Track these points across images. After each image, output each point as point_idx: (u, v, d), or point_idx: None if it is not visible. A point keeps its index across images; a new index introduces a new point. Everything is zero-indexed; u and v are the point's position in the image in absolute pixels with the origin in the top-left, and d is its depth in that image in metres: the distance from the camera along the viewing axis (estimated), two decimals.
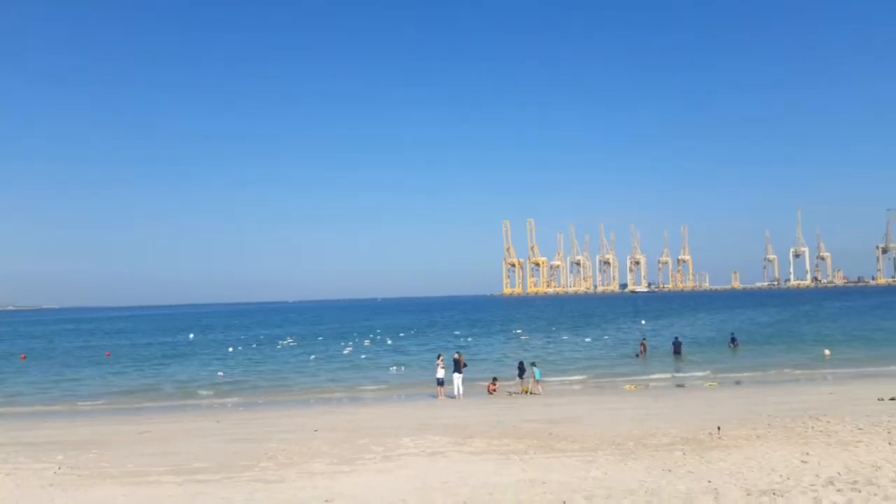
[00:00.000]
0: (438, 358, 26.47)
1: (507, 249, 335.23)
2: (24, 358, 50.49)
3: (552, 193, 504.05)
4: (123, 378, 36.48)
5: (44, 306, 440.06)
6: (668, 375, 31.53)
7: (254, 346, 57.07)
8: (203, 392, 30.56)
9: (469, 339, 56.55)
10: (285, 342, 58.92)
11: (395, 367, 36.68)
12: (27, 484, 12.06)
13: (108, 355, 51.43)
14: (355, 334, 66.45)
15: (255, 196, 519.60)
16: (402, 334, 65.34)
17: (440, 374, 25.70)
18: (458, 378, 25.43)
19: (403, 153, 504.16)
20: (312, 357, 44.37)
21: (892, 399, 18.76)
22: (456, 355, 26.40)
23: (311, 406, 25.45)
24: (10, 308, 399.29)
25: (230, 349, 52.87)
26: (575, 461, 12.20)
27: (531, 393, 25.55)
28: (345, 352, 47.47)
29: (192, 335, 76.07)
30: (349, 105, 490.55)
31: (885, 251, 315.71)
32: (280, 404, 26.27)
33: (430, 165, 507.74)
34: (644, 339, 43.03)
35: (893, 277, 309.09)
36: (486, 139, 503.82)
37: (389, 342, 55.75)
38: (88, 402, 28.44)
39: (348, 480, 11.59)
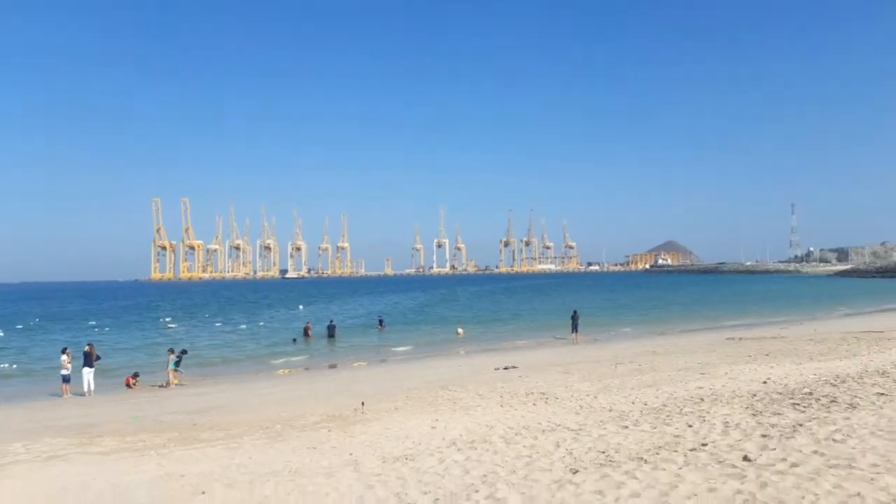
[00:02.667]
0: (64, 352, 23.07)
1: (158, 230, 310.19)
2: None
3: (210, 172, 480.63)
4: None
5: None
6: (321, 358, 32.40)
7: None
8: None
9: (106, 330, 50.61)
10: None
11: (6, 365, 30.88)
12: None
13: None
14: None
15: None
16: (19, 326, 55.46)
17: (66, 370, 22.42)
18: (87, 373, 22.51)
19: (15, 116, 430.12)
20: None
21: (506, 368, 22.00)
22: (87, 348, 23.32)
23: None
24: None
25: None
26: (219, 450, 11.63)
27: (178, 384, 23.91)
28: None
29: None
30: None
31: (506, 244, 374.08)
32: None
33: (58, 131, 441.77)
34: (308, 323, 43.62)
35: (512, 266, 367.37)
36: (137, 109, 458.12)
37: (1, 334, 46.84)
38: None
39: None
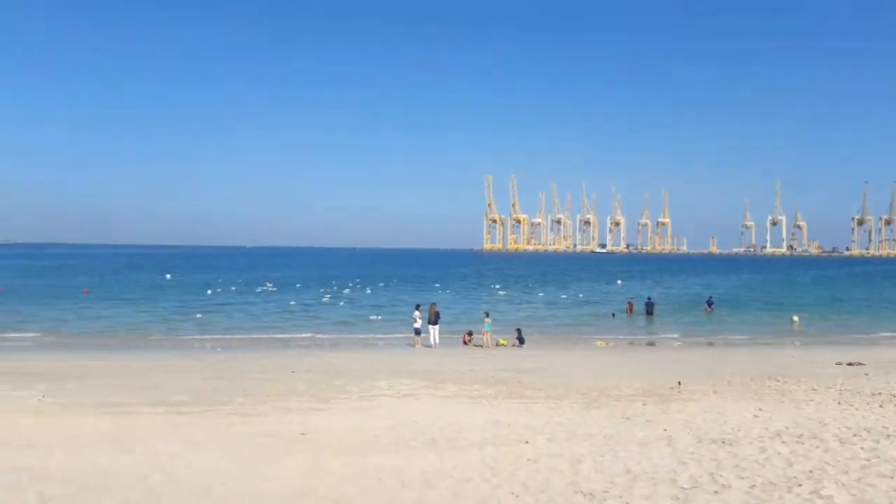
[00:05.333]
0: (416, 309, 26.97)
1: (489, 205, 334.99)
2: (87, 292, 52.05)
3: (536, 151, 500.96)
4: (101, 315, 36.70)
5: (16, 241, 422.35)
6: (639, 334, 32.38)
7: (232, 289, 57.26)
8: (181, 332, 30.88)
9: (448, 292, 57.19)
10: (264, 287, 59.13)
11: (374, 316, 37.24)
12: (13, 410, 12.39)
13: (87, 292, 51.51)
14: (333, 283, 66.63)
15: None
16: (381, 284, 65.77)
17: (417, 324, 26.24)
18: (434, 329, 26.02)
19: (379, 108, 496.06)
20: (292, 303, 44.76)
21: (850, 364, 19.45)
22: (430, 307, 26.90)
23: (290, 349, 25.93)
24: None
25: (209, 291, 53.04)
26: (541, 407, 12.79)
27: (504, 345, 26.26)
28: (323, 299, 47.88)
29: (168, 275, 75.90)
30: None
31: (860, 223, 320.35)
32: (258, 346, 26.71)
33: (408, 117, 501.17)
34: (631, 298, 43.46)
35: (867, 249, 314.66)
36: (475, 95, 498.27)
37: (369, 291, 56.21)
38: (69, 338, 28.66)
39: (323, 416, 12.09)
